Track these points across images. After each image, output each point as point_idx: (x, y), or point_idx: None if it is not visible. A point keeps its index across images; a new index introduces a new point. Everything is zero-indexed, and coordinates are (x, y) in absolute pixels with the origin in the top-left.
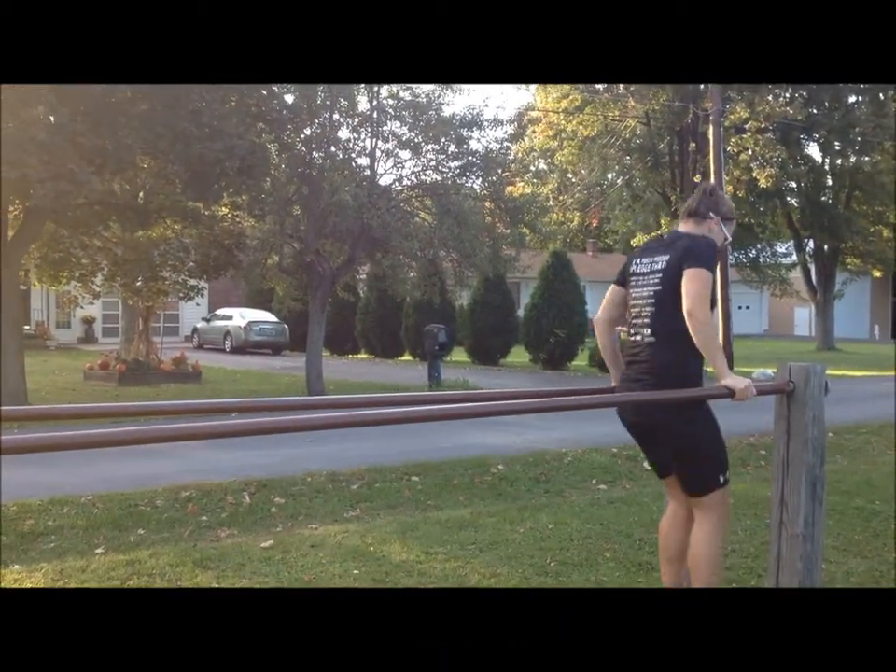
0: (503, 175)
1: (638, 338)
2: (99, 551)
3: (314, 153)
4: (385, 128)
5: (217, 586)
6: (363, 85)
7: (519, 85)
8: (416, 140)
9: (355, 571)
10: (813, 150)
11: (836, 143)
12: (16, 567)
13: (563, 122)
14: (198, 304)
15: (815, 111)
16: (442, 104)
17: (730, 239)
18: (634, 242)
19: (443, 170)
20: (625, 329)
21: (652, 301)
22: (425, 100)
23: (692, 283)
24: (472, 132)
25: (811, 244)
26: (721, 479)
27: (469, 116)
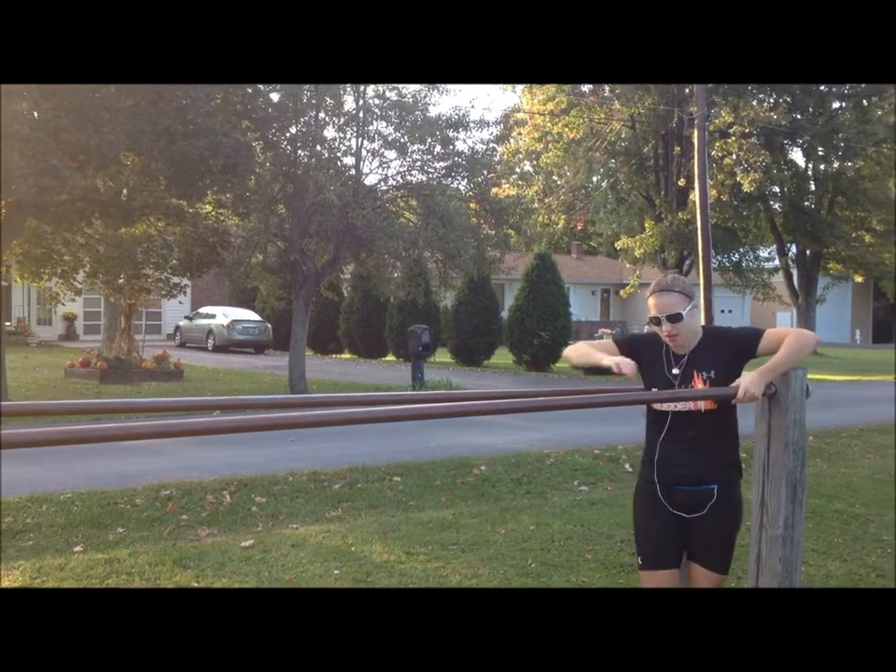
0: (489, 176)
1: None
2: (78, 549)
3: (299, 152)
4: (370, 127)
5: (196, 585)
6: (349, 84)
7: (505, 86)
8: (402, 140)
9: (336, 571)
10: (797, 155)
11: (820, 148)
12: None
13: (548, 125)
14: (181, 302)
15: (799, 116)
16: (429, 104)
17: (650, 315)
18: (618, 245)
19: (429, 170)
20: (608, 331)
21: None
22: (411, 100)
23: None
24: (458, 132)
25: (794, 248)
26: (639, 560)
27: (456, 117)
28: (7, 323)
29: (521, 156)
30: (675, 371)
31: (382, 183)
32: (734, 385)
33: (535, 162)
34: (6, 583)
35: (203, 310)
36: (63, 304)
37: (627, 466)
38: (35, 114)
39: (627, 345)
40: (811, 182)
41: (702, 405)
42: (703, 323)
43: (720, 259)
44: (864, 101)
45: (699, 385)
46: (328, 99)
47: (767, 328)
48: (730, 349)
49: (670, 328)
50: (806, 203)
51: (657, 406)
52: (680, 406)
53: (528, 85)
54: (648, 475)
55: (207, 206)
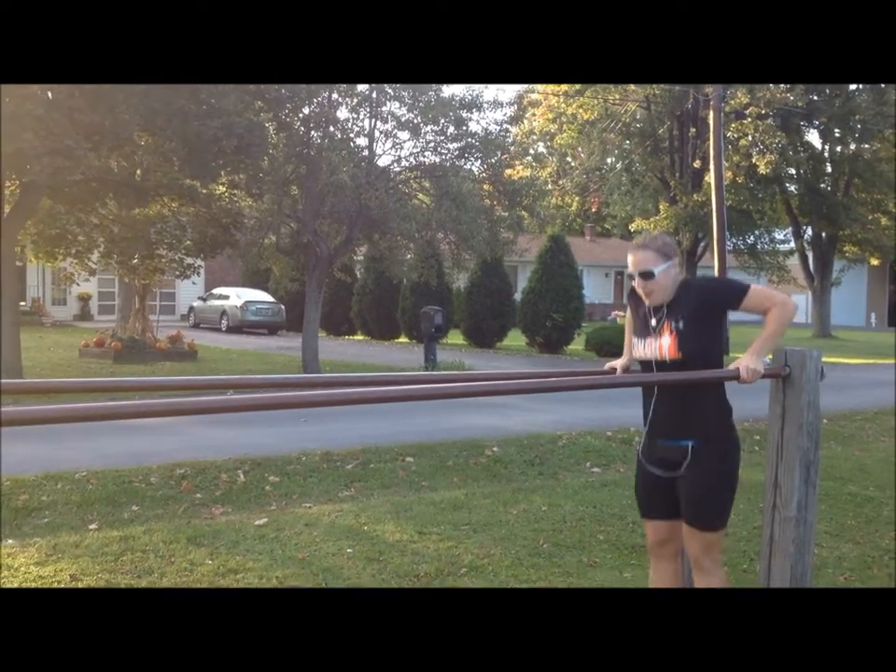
0: (502, 157)
1: None
2: (93, 527)
3: (312, 133)
4: (384, 108)
5: (210, 563)
6: None
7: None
8: (415, 121)
9: (348, 550)
10: (813, 137)
11: (836, 130)
12: (9, 541)
13: (563, 105)
14: (194, 283)
15: (815, 98)
16: (442, 84)
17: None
18: (632, 227)
19: (442, 151)
20: (621, 313)
21: None
22: None
23: None
24: (472, 113)
25: (809, 231)
26: None
27: (469, 97)
28: (22, 303)
29: (535, 137)
30: (653, 322)
31: (395, 164)
32: (733, 366)
33: (549, 143)
34: (21, 560)
35: (216, 291)
36: (78, 284)
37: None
38: (49, 94)
39: (629, 306)
40: (827, 164)
41: (667, 355)
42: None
43: (734, 241)
44: (881, 83)
45: (666, 333)
46: None
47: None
48: (705, 299)
49: (643, 284)
50: (822, 186)
51: (638, 356)
52: (649, 355)
53: None
54: (644, 429)
55: (221, 187)
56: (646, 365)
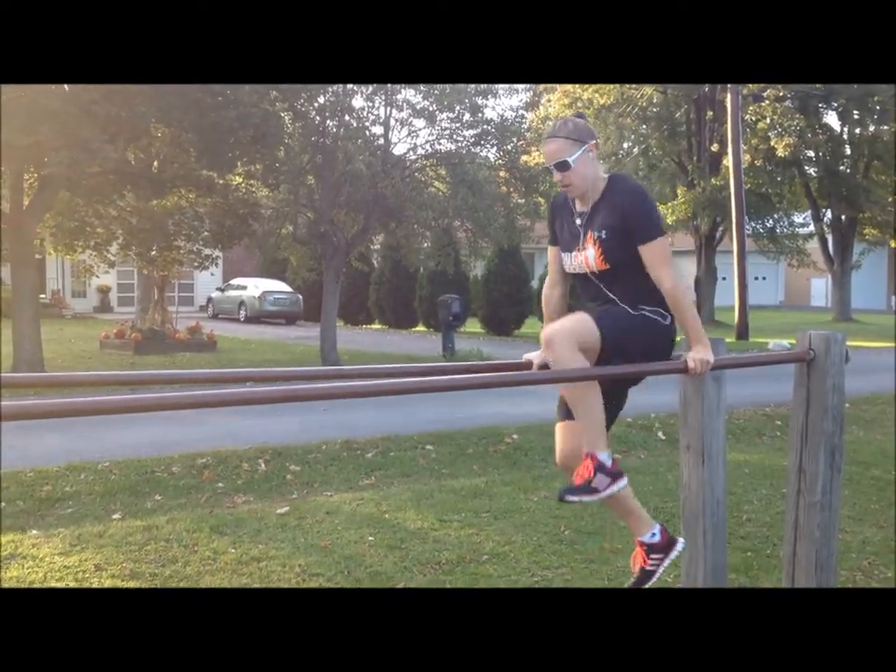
0: (518, 143)
1: None
2: (116, 516)
3: (327, 122)
4: (399, 96)
5: (233, 552)
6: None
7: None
8: (431, 108)
9: (370, 538)
10: (831, 119)
11: (855, 111)
12: (34, 532)
13: (578, 91)
14: (212, 274)
15: None
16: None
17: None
18: None
19: (458, 139)
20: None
21: None
22: None
23: None
24: (487, 100)
25: (829, 214)
26: None
27: (484, 83)
28: (42, 295)
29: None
30: (577, 221)
31: (411, 152)
32: (682, 359)
33: None
34: (45, 550)
35: (234, 281)
36: (97, 276)
37: (660, 434)
38: (66, 87)
39: (551, 233)
40: (846, 146)
41: (594, 266)
42: (737, 292)
43: (753, 225)
44: (883, 83)
45: (590, 244)
46: None
47: (798, 295)
48: (624, 226)
49: (560, 176)
50: (842, 168)
51: (570, 271)
52: (578, 269)
53: None
54: None
55: (237, 178)
56: (580, 279)
